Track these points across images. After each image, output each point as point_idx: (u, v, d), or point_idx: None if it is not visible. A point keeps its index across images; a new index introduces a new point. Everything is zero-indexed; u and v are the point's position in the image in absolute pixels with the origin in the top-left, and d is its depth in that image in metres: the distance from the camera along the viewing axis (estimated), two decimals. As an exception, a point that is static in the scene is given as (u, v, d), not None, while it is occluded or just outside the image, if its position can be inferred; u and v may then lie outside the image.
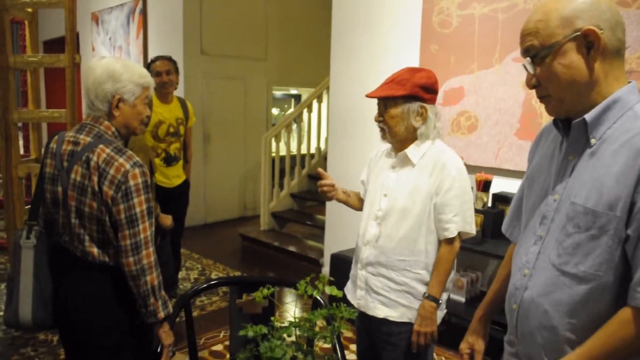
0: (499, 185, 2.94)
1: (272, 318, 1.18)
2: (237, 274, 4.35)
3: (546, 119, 2.70)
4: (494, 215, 2.78)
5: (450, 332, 2.56)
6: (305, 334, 1.15)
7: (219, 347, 2.97)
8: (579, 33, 0.95)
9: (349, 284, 1.87)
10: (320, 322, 1.19)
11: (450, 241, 1.67)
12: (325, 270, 4.05)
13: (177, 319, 1.67)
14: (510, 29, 2.82)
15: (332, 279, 1.24)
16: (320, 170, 1.86)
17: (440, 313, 1.73)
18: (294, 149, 5.74)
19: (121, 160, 1.47)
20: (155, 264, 1.52)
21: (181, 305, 1.72)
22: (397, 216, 1.68)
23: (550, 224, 1.04)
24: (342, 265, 3.13)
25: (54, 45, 7.07)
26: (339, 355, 1.51)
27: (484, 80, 2.96)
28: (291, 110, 7.59)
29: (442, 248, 1.68)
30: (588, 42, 0.95)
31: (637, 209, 0.91)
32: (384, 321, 1.71)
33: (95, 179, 1.46)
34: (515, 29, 2.80)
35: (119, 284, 1.54)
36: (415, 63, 3.25)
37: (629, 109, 0.97)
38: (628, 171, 0.92)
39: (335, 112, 3.93)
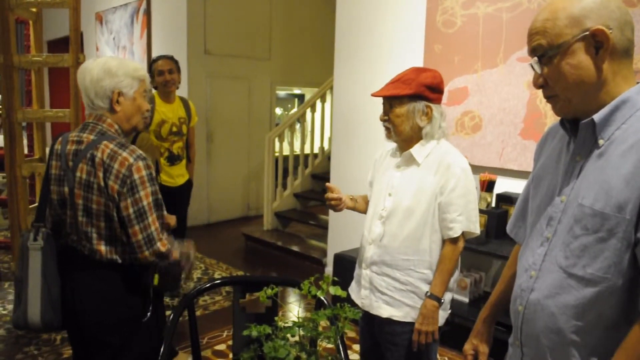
0: (503, 185, 2.93)
1: (275, 318, 1.18)
2: (241, 273, 4.35)
3: (551, 119, 2.69)
4: (498, 216, 2.77)
5: (454, 332, 2.55)
6: (309, 334, 1.15)
7: (222, 347, 2.97)
8: (587, 33, 0.93)
9: (353, 284, 1.87)
10: (324, 322, 1.19)
11: (454, 241, 1.66)
12: (329, 270, 4.04)
13: (180, 319, 1.67)
14: (515, 28, 2.81)
15: (335, 279, 1.23)
16: (328, 184, 1.85)
17: (444, 314, 1.73)
18: (297, 149, 5.73)
19: (124, 154, 1.48)
20: (172, 249, 1.59)
21: (184, 304, 1.71)
22: (402, 215, 1.67)
23: (557, 225, 1.03)
24: (346, 265, 3.12)
25: (58, 45, 7.09)
26: (342, 355, 1.50)
27: (488, 80, 2.95)
28: (295, 110, 7.59)
29: (446, 247, 1.67)
30: (597, 42, 0.93)
31: None
32: (388, 321, 1.71)
33: (101, 174, 1.47)
34: (519, 29, 2.78)
35: (127, 282, 1.56)
36: (419, 63, 3.24)
37: (638, 110, 0.95)
38: (638, 173, 0.90)
39: (338, 112, 3.93)
